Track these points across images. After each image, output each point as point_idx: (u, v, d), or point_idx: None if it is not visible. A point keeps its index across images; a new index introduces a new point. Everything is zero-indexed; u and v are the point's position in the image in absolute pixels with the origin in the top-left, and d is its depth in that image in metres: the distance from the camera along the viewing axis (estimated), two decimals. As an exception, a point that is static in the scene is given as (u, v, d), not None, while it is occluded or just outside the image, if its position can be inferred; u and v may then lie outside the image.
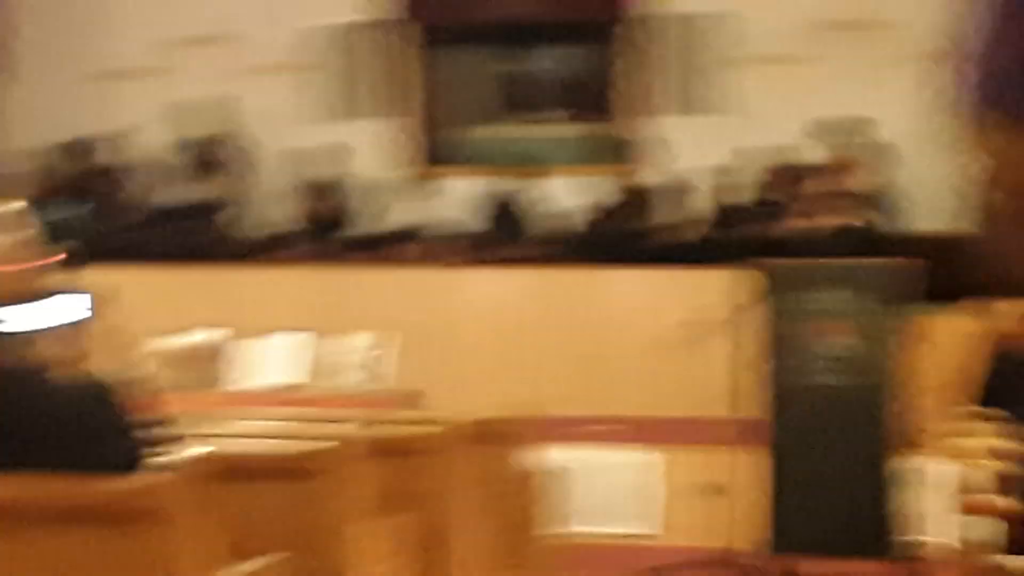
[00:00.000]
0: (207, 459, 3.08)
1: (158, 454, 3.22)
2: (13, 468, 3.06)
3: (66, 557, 3.04)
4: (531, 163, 12.01)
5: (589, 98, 13.40)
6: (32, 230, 3.25)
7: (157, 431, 3.28)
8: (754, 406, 8.35)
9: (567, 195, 12.09)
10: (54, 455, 3.09)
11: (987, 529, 3.08)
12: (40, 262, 3.24)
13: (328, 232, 11.70)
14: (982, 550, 2.91)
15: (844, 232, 9.30)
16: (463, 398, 8.22)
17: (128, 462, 3.15)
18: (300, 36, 13.22)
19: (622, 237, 11.44)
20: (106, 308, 3.40)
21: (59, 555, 3.04)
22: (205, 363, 9.30)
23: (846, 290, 8.09)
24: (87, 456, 3.09)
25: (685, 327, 9.14)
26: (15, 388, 3.11)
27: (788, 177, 11.25)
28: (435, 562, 4.72)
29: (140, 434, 3.21)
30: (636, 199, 11.76)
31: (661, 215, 11.58)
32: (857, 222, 9.39)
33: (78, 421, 3.13)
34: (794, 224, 10.11)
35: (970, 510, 3.57)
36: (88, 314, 3.33)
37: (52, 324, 3.27)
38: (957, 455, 6.05)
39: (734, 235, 11.05)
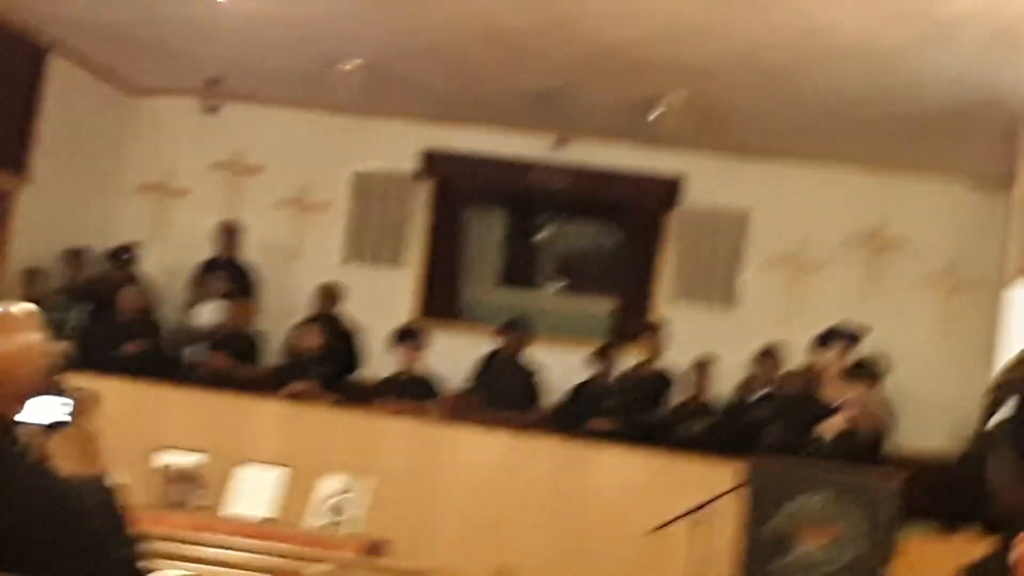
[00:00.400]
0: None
1: (145, 569, 3.20)
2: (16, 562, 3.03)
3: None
4: (522, 329, 12.06)
5: (593, 274, 13.53)
6: (43, 331, 3.28)
7: (144, 545, 3.27)
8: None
9: (559, 366, 12.14)
10: (60, 553, 3.06)
11: None
12: (50, 361, 3.26)
13: (316, 370, 11.70)
14: None
15: (844, 438, 9.28)
16: (430, 552, 8.17)
17: (130, 571, 3.13)
18: (318, 177, 13.39)
19: (617, 415, 11.48)
20: (88, 414, 3.40)
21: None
22: (178, 485, 9.23)
23: (829, 495, 8.08)
24: (95, 556, 3.07)
25: (657, 514, 9.09)
26: (28, 479, 3.09)
27: (792, 377, 11.34)
28: None
29: (136, 545, 3.20)
30: (640, 379, 11.80)
31: (661, 400, 11.65)
32: (859, 430, 9.38)
33: (91, 519, 3.10)
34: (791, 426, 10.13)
35: None
36: (67, 418, 3.34)
37: (49, 421, 3.28)
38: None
39: (733, 428, 11.09)
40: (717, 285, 12.97)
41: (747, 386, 11.94)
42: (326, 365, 11.77)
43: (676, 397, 11.80)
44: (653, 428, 11.42)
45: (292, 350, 11.97)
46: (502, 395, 11.72)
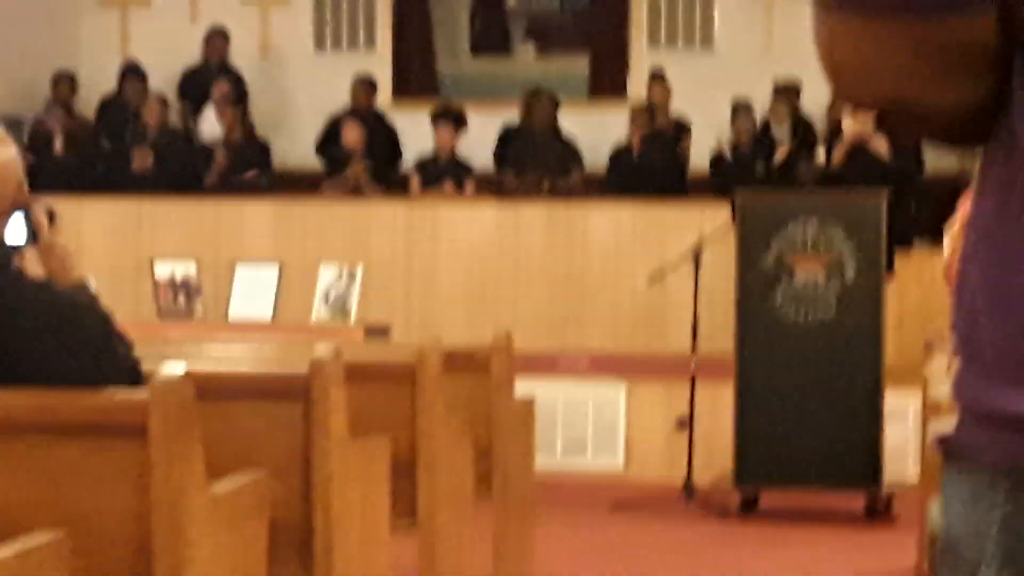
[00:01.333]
0: (186, 377, 3.11)
1: (139, 370, 3.27)
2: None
3: (42, 471, 3.07)
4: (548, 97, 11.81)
5: (565, 33, 13.39)
6: (15, 148, 3.31)
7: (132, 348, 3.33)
8: (726, 341, 8.41)
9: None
10: (50, 362, 3.11)
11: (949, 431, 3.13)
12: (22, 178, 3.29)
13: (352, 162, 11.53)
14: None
15: (875, 161, 9.15)
16: (429, 331, 8.27)
17: (130, 376, 3.19)
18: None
19: (608, 171, 11.43)
20: (53, 227, 3.43)
21: (33, 469, 3.08)
22: (178, 295, 9.32)
23: (817, 222, 8.12)
24: (92, 367, 3.12)
25: (654, 262, 9.16)
26: (15, 294, 3.13)
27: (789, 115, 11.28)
28: (405, 487, 4.77)
29: (131, 350, 3.27)
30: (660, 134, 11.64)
31: (653, 152, 11.49)
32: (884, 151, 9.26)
33: (82, 330, 3.16)
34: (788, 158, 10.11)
35: (932, 416, 3.65)
36: (34, 233, 3.38)
37: (18, 238, 3.33)
38: (922, 385, 6.12)
39: (729, 173, 11.02)
40: (693, 27, 12.82)
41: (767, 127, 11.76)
42: (368, 158, 11.57)
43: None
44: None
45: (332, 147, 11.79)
46: (539, 166, 11.50)
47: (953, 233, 4.09)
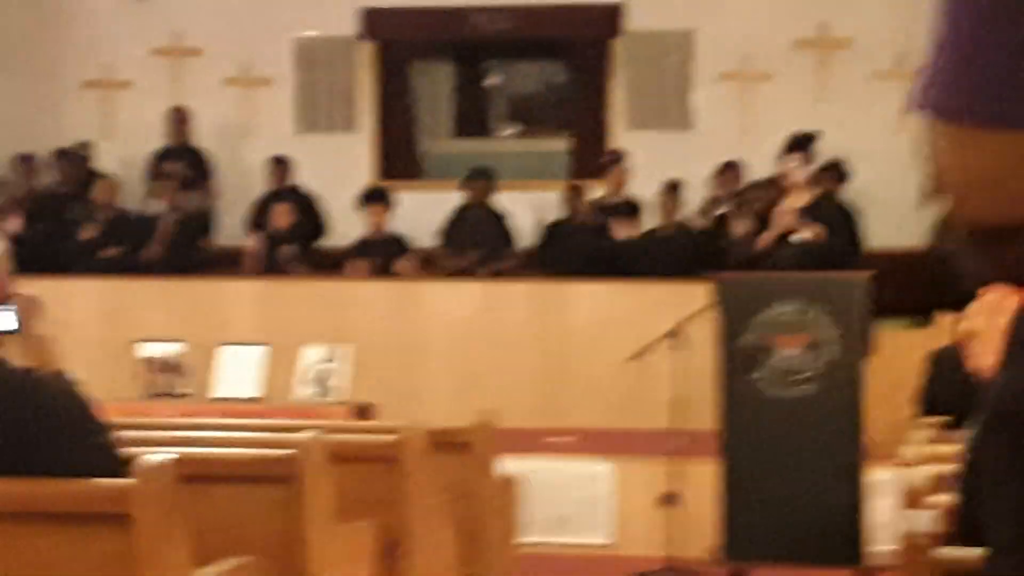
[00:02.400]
0: (170, 463, 3.12)
1: (125, 456, 3.27)
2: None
3: (31, 558, 3.08)
4: (486, 178, 12.06)
5: (546, 114, 13.53)
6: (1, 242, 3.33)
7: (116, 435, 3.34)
8: (707, 417, 8.44)
9: (522, 210, 12.17)
10: (34, 453, 3.13)
11: (927, 524, 3.17)
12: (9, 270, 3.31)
13: (283, 244, 11.74)
14: (922, 543, 3.00)
15: (800, 246, 9.44)
16: (417, 410, 8.28)
17: (109, 462, 3.20)
18: (259, 51, 13.29)
19: (577, 250, 11.52)
20: (35, 317, 3.45)
21: (24, 555, 3.08)
22: (161, 375, 9.32)
23: (798, 303, 8.19)
24: (71, 454, 3.14)
25: (636, 339, 9.21)
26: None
27: (748, 192, 11.38)
28: (394, 568, 4.78)
29: (110, 432, 3.28)
30: (594, 214, 11.83)
31: (619, 230, 11.63)
32: (812, 236, 9.53)
33: (61, 418, 3.17)
34: (751, 238, 10.23)
35: (911, 506, 3.68)
36: (15, 324, 3.40)
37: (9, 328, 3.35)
38: (902, 462, 6.16)
39: (690, 249, 11.16)
40: (670, 109, 12.97)
41: (711, 205, 11.99)
42: (297, 239, 11.80)
43: (647, 224, 11.82)
44: (628, 256, 11.47)
45: (261, 227, 11.99)
46: (475, 245, 11.76)
47: (978, 324, 4.04)
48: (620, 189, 11.96)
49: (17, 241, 11.27)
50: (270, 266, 11.63)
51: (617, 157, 12.13)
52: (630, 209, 11.70)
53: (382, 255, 11.47)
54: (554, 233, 11.83)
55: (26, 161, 12.71)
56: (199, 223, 12.26)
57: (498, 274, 11.49)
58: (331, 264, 11.75)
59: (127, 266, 11.49)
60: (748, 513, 8.19)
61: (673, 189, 11.72)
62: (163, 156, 12.65)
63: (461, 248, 11.71)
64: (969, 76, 1.15)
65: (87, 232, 11.64)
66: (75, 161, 12.70)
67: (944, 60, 1.17)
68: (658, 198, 11.71)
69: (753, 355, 8.22)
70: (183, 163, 12.43)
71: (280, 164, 12.49)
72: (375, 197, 11.81)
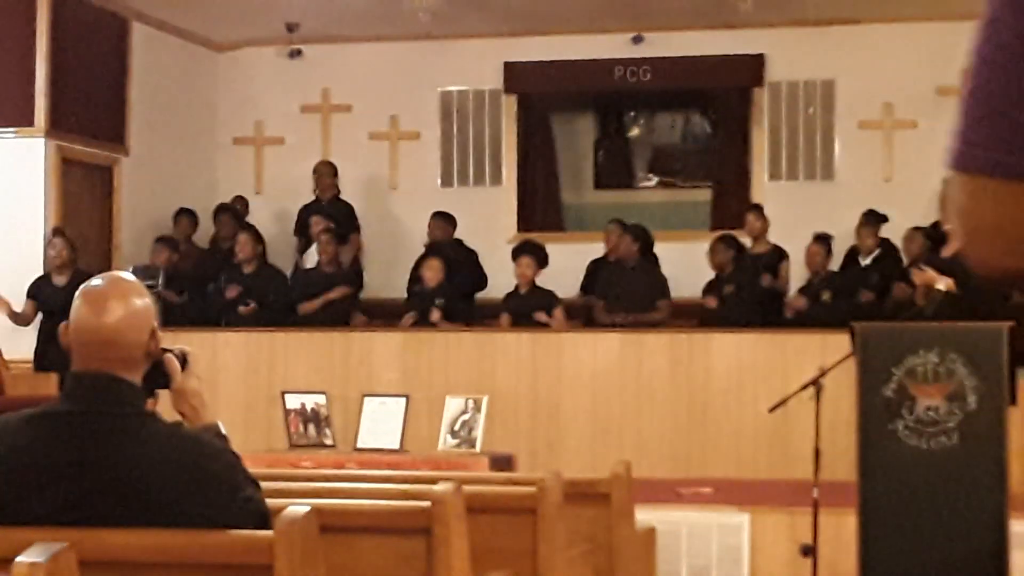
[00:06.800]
0: (312, 515, 3.23)
1: (270, 510, 3.38)
2: (134, 515, 3.23)
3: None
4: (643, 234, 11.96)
5: (687, 164, 13.58)
6: (149, 297, 3.46)
7: (262, 488, 3.46)
8: (846, 468, 8.42)
9: (666, 261, 12.18)
10: (183, 506, 3.26)
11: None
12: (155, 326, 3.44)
13: (427, 299, 11.85)
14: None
15: (946, 298, 9.36)
16: (554, 462, 8.37)
17: (255, 517, 3.31)
18: (406, 106, 13.53)
19: (725, 302, 11.50)
20: (186, 371, 3.57)
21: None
22: (306, 426, 9.51)
23: (939, 353, 8.15)
24: (218, 508, 3.26)
25: (776, 389, 9.21)
26: (147, 436, 3.30)
27: (891, 244, 11.33)
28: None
29: (258, 488, 3.40)
30: (741, 265, 11.77)
31: (764, 281, 11.63)
32: (945, 288, 9.46)
33: (209, 472, 3.30)
34: (899, 291, 10.20)
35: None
36: (167, 378, 3.53)
37: (152, 384, 3.49)
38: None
39: (837, 303, 11.11)
40: (813, 158, 12.97)
41: (854, 254, 11.93)
42: (448, 294, 11.77)
43: (794, 274, 11.78)
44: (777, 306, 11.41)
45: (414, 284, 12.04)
46: (623, 299, 11.65)
47: None
48: (762, 238, 11.93)
49: (171, 300, 11.68)
50: (420, 321, 11.68)
51: (757, 207, 12.10)
52: (777, 258, 11.67)
53: (532, 308, 11.43)
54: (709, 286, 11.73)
55: (190, 215, 12.98)
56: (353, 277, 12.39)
57: (654, 326, 11.36)
58: (481, 317, 11.81)
59: (273, 319, 11.67)
60: (888, 564, 8.14)
61: (824, 240, 11.62)
62: (311, 210, 12.90)
63: (617, 301, 11.59)
64: (978, 128, 1.19)
65: (231, 291, 11.82)
66: (233, 215, 12.95)
67: (959, 114, 1.21)
68: (807, 248, 11.64)
69: (894, 405, 8.19)
70: (330, 217, 12.64)
71: (441, 219, 12.53)
72: (528, 250, 11.77)
